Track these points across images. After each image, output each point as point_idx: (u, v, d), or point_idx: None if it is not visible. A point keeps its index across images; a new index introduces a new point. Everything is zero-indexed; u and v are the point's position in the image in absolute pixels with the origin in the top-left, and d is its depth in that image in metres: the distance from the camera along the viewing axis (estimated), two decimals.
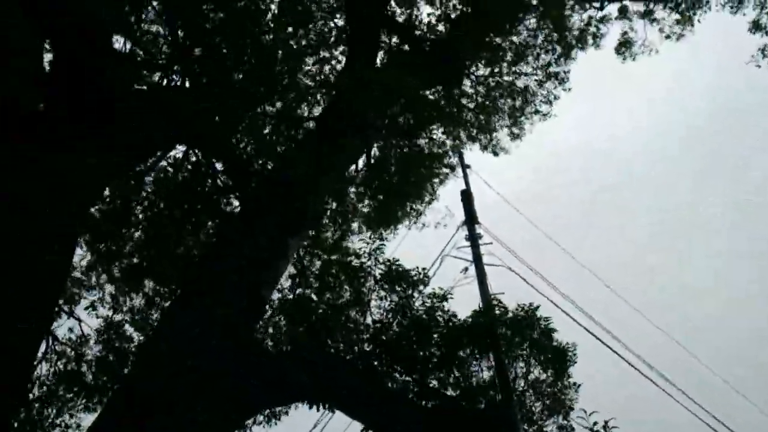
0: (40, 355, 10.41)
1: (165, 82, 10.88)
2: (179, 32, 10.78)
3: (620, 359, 12.63)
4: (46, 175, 8.25)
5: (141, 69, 11.11)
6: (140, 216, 12.54)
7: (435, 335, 10.22)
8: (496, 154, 15.16)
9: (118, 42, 10.76)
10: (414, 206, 14.10)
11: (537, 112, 14.54)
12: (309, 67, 13.40)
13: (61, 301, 11.68)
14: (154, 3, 11.19)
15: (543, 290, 12.66)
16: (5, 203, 7.71)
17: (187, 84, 10.78)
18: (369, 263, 11.42)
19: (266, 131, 11.71)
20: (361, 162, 13.20)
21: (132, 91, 10.19)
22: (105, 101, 9.47)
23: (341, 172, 12.26)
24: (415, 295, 11.06)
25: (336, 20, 14.04)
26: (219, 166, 11.88)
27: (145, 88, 11.03)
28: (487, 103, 14.13)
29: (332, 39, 12.67)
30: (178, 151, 11.97)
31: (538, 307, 11.15)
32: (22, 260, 7.40)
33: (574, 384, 11.34)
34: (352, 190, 13.64)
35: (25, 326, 7.30)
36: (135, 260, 12.68)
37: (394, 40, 13.11)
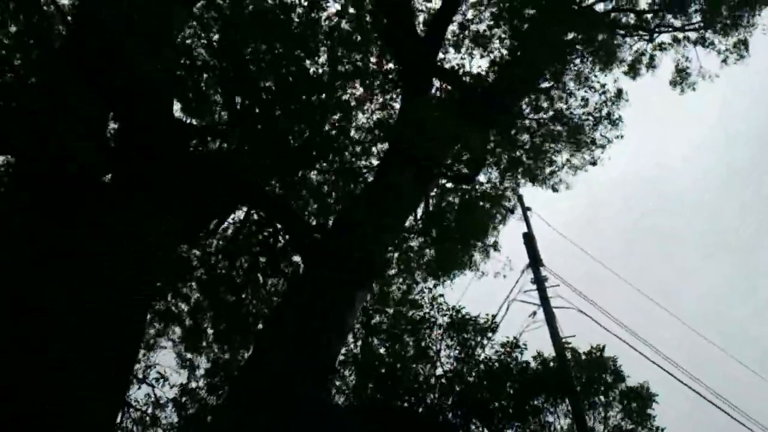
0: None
1: (225, 146, 11.20)
2: (235, 98, 11.14)
3: (692, 392, 12.00)
4: (118, 242, 8.50)
5: (202, 135, 11.48)
6: (204, 277, 12.77)
7: (508, 384, 9.94)
8: (555, 190, 14.94)
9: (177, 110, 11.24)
10: (475, 252, 13.94)
11: (592, 145, 14.28)
12: (362, 118, 13.69)
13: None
14: (210, 72, 11.62)
15: (609, 325, 12.22)
16: (80, 270, 7.93)
17: (246, 147, 11.07)
18: (433, 313, 11.30)
19: (324, 187, 11.89)
20: (420, 210, 13.19)
21: (194, 157, 10.53)
22: (169, 168, 9.77)
23: (401, 222, 12.24)
24: (485, 342, 10.84)
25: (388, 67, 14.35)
26: (279, 225, 12.04)
27: (205, 152, 11.41)
28: (542, 143, 14.00)
29: (384, 88, 12.86)
30: (240, 212, 12.22)
31: (604, 347, 10.75)
32: (99, 328, 7.56)
33: (658, 429, 10.83)
34: (413, 239, 13.60)
35: (104, 396, 7.41)
36: (198, 321, 12.84)
37: (445, 87, 13.22)
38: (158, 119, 9.94)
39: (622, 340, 12.02)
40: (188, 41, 11.83)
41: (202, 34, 11.62)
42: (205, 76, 11.55)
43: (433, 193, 13.23)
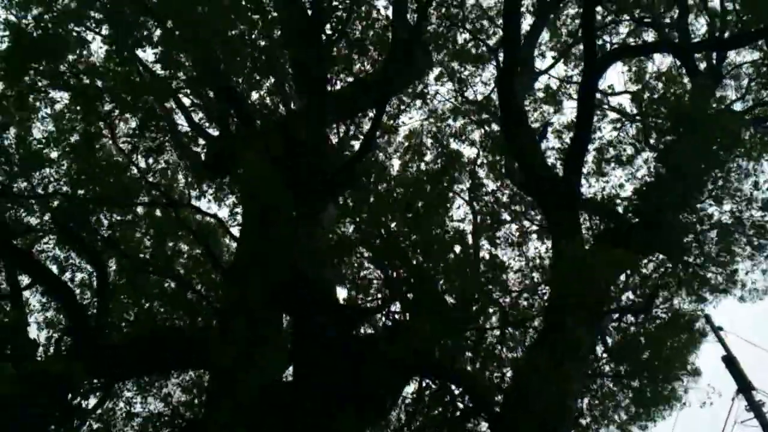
0: None
1: (385, 321, 11.47)
2: (390, 272, 11.54)
3: None
4: None
5: (361, 315, 11.87)
6: None
7: None
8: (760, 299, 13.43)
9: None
10: (674, 384, 12.63)
11: None
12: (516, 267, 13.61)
13: None
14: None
15: None
16: None
17: (408, 318, 11.22)
18: None
19: (494, 344, 11.55)
20: (600, 348, 12.36)
21: (362, 341, 10.87)
22: (343, 355, 10.17)
23: (583, 365, 11.47)
24: None
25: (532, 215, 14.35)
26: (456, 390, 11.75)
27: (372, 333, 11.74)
28: (718, 251, 12.83)
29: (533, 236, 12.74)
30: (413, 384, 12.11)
31: None
32: None
33: None
34: (601, 381, 12.64)
35: None
36: None
37: (595, 218, 12.78)
38: (327, 311, 10.52)
39: None
40: (338, 224, 12.64)
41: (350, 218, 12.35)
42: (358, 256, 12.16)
43: (610, 328, 12.40)
